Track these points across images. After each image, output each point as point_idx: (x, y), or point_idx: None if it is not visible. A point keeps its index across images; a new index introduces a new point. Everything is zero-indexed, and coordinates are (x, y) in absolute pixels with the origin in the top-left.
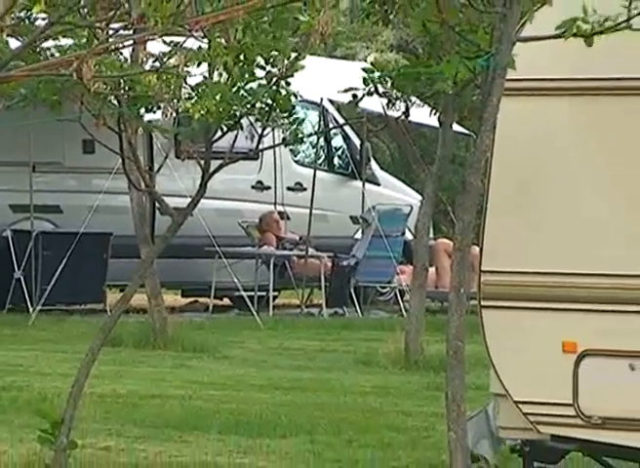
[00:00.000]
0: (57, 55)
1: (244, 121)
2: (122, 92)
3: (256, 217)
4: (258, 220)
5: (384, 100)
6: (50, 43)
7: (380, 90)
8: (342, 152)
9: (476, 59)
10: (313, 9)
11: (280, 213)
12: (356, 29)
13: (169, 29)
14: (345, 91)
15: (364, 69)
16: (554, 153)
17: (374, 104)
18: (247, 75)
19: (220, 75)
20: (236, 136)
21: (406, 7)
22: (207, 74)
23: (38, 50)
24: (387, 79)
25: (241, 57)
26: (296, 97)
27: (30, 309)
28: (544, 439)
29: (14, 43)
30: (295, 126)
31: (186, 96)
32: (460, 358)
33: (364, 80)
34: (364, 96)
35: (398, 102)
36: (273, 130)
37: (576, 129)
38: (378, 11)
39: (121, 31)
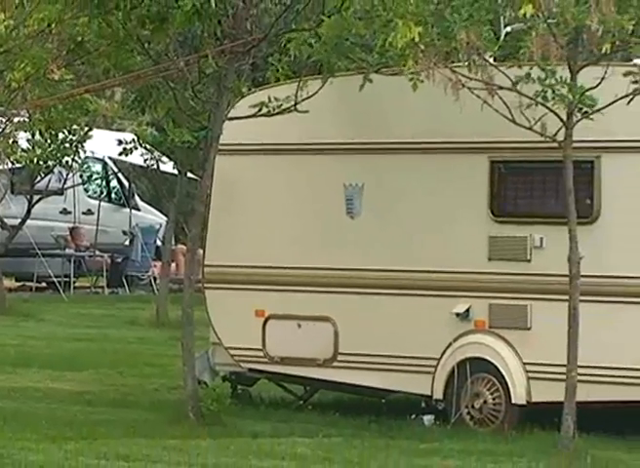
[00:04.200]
0: None
1: (55, 169)
2: None
3: (62, 233)
4: (69, 231)
5: (145, 156)
6: None
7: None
8: (117, 190)
9: (200, 131)
10: (101, 99)
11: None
12: (126, 111)
13: (2, 111)
14: (119, 143)
15: (135, 132)
16: (249, 191)
17: (137, 160)
18: (55, 139)
19: (39, 141)
20: (49, 179)
21: (156, 103)
22: (30, 137)
23: None
24: (146, 144)
25: (51, 126)
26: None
27: None
28: (244, 371)
29: None
30: (87, 173)
31: (18, 152)
32: (191, 320)
33: (133, 140)
34: (132, 149)
35: (153, 158)
36: (74, 175)
37: (261, 174)
38: (137, 106)
39: None
